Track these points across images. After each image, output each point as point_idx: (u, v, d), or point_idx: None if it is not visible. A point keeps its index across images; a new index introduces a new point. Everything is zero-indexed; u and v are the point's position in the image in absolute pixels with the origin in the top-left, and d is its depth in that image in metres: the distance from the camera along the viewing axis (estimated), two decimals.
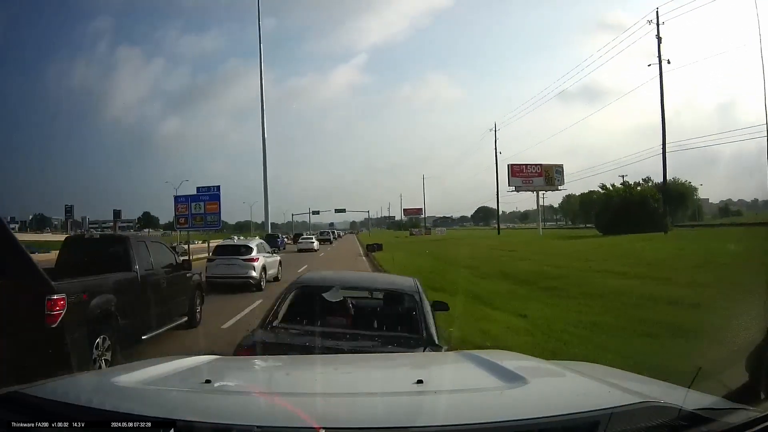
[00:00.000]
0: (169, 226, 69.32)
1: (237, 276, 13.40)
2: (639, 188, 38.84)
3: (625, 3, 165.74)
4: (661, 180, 34.67)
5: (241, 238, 25.72)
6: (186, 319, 7.78)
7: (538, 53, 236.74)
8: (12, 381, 1.68)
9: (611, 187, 39.71)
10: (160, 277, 7.01)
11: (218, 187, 36.52)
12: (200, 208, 36.03)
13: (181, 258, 8.40)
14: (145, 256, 6.77)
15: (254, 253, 13.95)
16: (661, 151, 29.37)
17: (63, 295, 4.58)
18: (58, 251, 7.12)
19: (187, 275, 8.13)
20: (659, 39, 29.28)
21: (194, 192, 36.97)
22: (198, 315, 8.36)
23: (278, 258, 16.79)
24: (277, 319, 3.69)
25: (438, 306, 4.22)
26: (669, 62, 29.06)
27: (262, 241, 17.05)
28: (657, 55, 28.98)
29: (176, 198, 36.02)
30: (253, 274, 13.52)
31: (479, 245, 29.77)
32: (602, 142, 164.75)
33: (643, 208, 33.74)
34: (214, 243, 20.27)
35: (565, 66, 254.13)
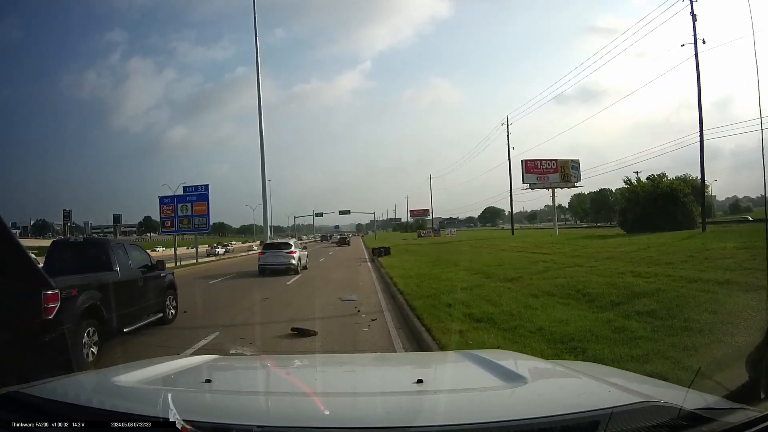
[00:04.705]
0: None
1: (282, 264, 18.89)
2: (666, 181, 35.21)
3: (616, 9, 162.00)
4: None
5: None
6: (160, 316, 8.24)
7: (538, 57, 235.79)
8: (12, 381, 1.74)
9: (635, 182, 36.19)
10: (137, 276, 7.62)
11: (206, 186, 33.79)
12: (187, 209, 33.32)
13: (155, 259, 8.79)
14: (123, 257, 7.42)
15: (293, 248, 19.77)
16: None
17: (57, 291, 5.09)
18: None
19: (161, 275, 8.55)
20: (694, 17, 25.50)
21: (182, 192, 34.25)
22: (172, 313, 8.74)
23: (306, 252, 23.19)
24: None
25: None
26: (704, 42, 25.12)
27: (296, 239, 26.10)
28: (693, 34, 25.09)
29: (161, 199, 33.28)
30: (293, 261, 19.06)
31: (502, 248, 25.82)
32: (603, 141, 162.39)
33: (674, 204, 30.90)
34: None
35: (564, 68, 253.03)
